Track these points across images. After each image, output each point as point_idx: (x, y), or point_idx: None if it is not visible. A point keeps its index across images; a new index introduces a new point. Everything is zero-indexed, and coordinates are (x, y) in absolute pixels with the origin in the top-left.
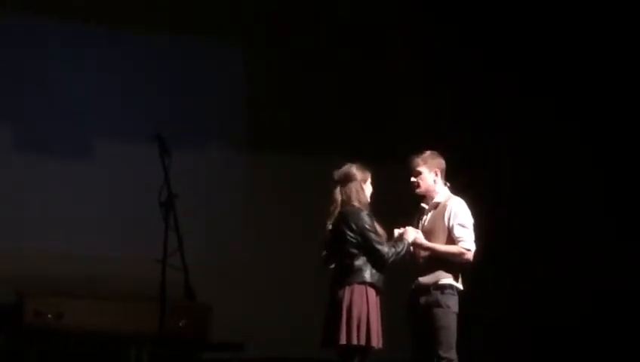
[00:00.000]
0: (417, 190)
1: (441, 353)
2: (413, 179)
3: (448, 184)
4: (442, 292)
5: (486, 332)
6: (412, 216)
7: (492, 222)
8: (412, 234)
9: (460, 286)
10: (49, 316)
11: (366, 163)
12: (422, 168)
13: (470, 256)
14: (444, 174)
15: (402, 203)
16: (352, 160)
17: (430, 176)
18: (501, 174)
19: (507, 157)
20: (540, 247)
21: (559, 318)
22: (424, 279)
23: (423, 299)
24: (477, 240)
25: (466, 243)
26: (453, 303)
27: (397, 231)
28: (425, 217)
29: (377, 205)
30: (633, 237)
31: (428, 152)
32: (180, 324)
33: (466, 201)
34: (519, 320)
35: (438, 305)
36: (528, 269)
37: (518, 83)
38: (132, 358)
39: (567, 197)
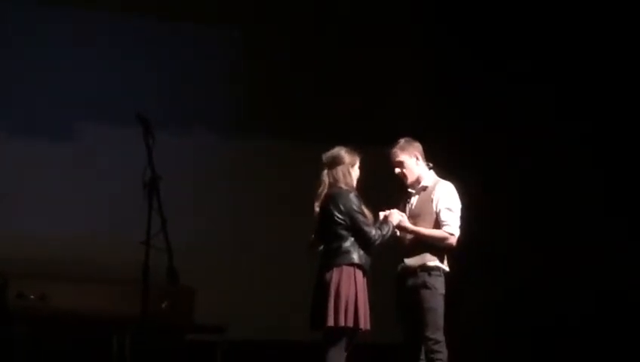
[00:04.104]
0: (407, 181)
1: (429, 334)
2: (397, 170)
3: (431, 165)
4: (429, 274)
5: (475, 320)
6: (398, 199)
7: (493, 216)
8: (397, 217)
9: (446, 267)
10: (32, 297)
11: (355, 147)
12: (402, 157)
13: (453, 240)
14: (424, 157)
15: (390, 187)
16: (341, 145)
17: (412, 161)
18: (501, 170)
19: (508, 154)
20: (538, 244)
21: (557, 316)
22: (411, 261)
23: (410, 281)
24: (475, 232)
25: (450, 227)
26: (440, 285)
27: (382, 214)
28: (412, 200)
29: (366, 189)
30: (632, 237)
31: (402, 140)
32: (163, 306)
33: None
34: (513, 311)
35: (425, 286)
36: (524, 265)
37: (517, 76)
38: (114, 340)
39: (567, 196)
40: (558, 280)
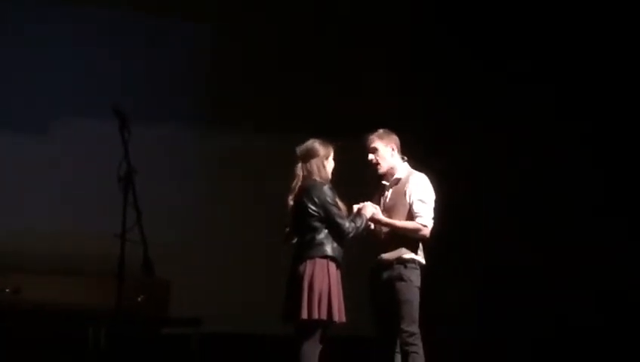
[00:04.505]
0: (379, 169)
1: (404, 327)
2: (370, 156)
3: (406, 158)
4: (405, 266)
5: (474, 321)
6: (373, 192)
7: (492, 216)
8: (370, 210)
9: (422, 260)
10: (7, 291)
11: (330, 139)
12: (377, 144)
13: (427, 232)
14: (399, 149)
15: (365, 179)
16: (315, 137)
17: (387, 150)
18: (501, 170)
19: (508, 154)
20: (538, 244)
21: (557, 316)
22: (386, 254)
23: (385, 274)
24: (475, 232)
25: (423, 218)
26: (415, 277)
27: (356, 207)
28: (386, 193)
29: (341, 181)
30: (632, 237)
31: (382, 130)
32: (139, 299)
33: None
34: (513, 311)
35: (401, 278)
36: (524, 264)
37: (517, 76)
38: (90, 333)
39: (567, 196)
40: (558, 280)
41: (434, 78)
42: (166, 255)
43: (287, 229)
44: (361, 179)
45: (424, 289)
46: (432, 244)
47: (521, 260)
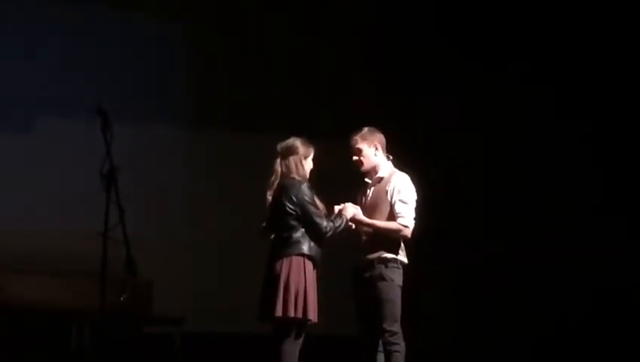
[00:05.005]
0: (362, 168)
1: (386, 326)
2: (354, 157)
3: (391, 157)
4: (386, 266)
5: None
6: (356, 191)
7: (491, 217)
8: (351, 210)
9: (404, 259)
10: None
11: (311, 139)
12: (361, 145)
13: (408, 232)
14: (384, 148)
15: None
16: (300, 136)
17: (371, 151)
18: (502, 170)
19: (508, 154)
20: (539, 244)
21: (556, 316)
22: (368, 254)
23: (367, 274)
24: (474, 232)
25: (405, 219)
26: (397, 276)
27: (337, 208)
28: (368, 192)
29: (323, 181)
30: (632, 237)
31: (366, 129)
32: (122, 299)
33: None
34: (512, 311)
35: (383, 278)
36: (523, 265)
37: (517, 76)
38: (73, 333)
39: (567, 196)
40: (557, 280)
41: (434, 77)
42: (150, 254)
43: (264, 224)
44: (346, 180)
45: (407, 288)
46: (431, 244)
47: (520, 260)
